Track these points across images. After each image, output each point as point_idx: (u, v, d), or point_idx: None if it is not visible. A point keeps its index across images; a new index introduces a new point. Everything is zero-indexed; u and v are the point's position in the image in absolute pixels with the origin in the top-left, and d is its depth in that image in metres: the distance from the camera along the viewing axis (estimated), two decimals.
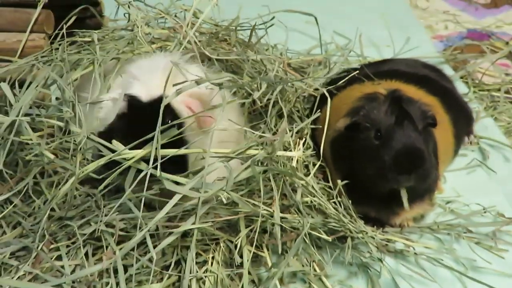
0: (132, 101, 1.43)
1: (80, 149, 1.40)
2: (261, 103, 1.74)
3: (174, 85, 1.39)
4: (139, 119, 1.39)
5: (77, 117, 1.47)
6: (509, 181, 1.93)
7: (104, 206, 1.42)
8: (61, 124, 1.48)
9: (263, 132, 1.57)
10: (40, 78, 1.57)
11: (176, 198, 1.30)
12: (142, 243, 1.39)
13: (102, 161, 1.34)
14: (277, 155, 1.41)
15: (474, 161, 2.00)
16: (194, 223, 1.31)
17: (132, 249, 1.36)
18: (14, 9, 1.81)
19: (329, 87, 1.73)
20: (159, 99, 1.38)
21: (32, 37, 1.78)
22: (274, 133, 1.67)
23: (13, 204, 1.50)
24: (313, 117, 1.62)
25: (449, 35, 3.06)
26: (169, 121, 1.35)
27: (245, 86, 1.61)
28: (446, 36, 3.04)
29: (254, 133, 1.54)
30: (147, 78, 1.47)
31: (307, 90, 1.85)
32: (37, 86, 1.55)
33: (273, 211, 1.41)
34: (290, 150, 1.54)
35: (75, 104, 1.50)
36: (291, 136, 1.55)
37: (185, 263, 1.36)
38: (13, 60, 1.74)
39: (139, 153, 1.32)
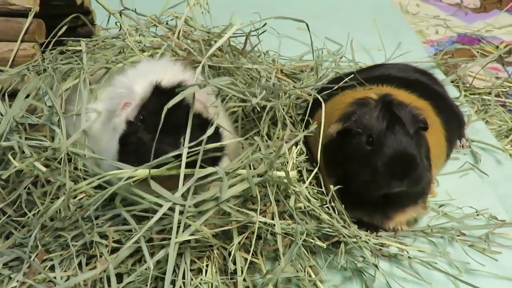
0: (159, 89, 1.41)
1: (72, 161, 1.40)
2: (259, 110, 1.75)
3: (178, 90, 1.38)
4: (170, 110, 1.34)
5: (60, 131, 1.46)
6: (501, 183, 1.94)
7: (97, 218, 1.41)
8: (45, 143, 1.47)
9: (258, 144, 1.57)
10: (28, 88, 1.57)
11: (166, 206, 1.30)
12: (137, 251, 1.39)
13: (94, 181, 1.34)
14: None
15: (467, 164, 2.01)
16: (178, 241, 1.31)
17: (127, 258, 1.37)
18: (5, 19, 1.80)
19: (321, 94, 1.74)
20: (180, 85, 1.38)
21: (24, 46, 1.77)
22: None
23: (6, 215, 1.49)
24: (311, 128, 1.62)
25: (439, 39, 3.08)
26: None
27: (245, 92, 1.62)
28: (437, 41, 3.07)
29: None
30: (152, 77, 1.47)
31: (304, 96, 1.85)
32: (26, 96, 1.54)
33: (271, 219, 1.41)
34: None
35: (56, 116, 1.50)
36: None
37: (178, 270, 1.35)
38: (4, 70, 1.74)
39: (132, 173, 1.31)
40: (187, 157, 1.30)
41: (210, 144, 1.34)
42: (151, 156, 1.29)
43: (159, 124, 1.28)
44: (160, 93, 1.42)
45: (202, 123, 1.38)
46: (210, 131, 1.33)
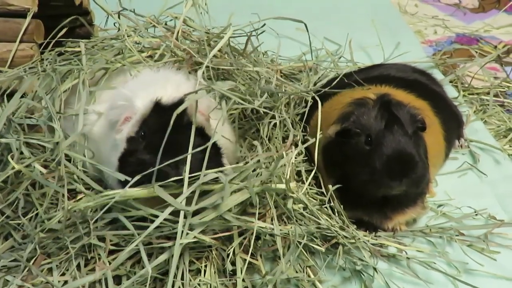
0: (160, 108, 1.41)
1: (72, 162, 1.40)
2: (261, 111, 1.75)
3: (185, 94, 1.40)
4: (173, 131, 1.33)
5: (57, 131, 1.46)
6: (499, 183, 1.94)
7: (96, 221, 1.41)
8: (46, 143, 1.47)
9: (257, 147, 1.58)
10: (23, 87, 1.57)
11: (168, 211, 1.30)
12: (136, 252, 1.39)
13: (91, 203, 1.34)
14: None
15: (465, 164, 2.01)
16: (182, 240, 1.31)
17: (126, 260, 1.37)
18: (3, 19, 1.80)
19: (318, 94, 1.74)
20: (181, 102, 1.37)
21: (22, 47, 1.77)
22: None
23: (5, 215, 1.49)
24: (309, 142, 1.62)
25: (438, 40, 3.09)
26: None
27: (247, 95, 1.62)
28: (435, 41, 3.07)
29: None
30: (153, 90, 1.46)
31: (303, 94, 1.85)
32: (21, 96, 1.54)
33: (270, 222, 1.42)
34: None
35: (54, 117, 1.50)
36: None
37: (177, 270, 1.36)
38: (2, 70, 1.74)
39: (135, 192, 1.32)
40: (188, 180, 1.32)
41: (210, 162, 1.35)
42: (153, 178, 1.29)
43: (160, 144, 1.28)
44: (161, 110, 1.41)
45: (204, 142, 1.36)
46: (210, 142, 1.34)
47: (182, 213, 1.31)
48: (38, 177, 1.41)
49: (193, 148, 1.31)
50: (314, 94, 1.74)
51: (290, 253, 1.40)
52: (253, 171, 1.41)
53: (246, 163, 1.47)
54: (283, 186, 1.44)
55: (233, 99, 1.46)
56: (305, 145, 1.61)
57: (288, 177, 1.48)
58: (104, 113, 1.58)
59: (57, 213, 1.40)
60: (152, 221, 1.32)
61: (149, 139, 1.39)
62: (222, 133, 1.50)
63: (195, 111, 1.37)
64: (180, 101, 1.39)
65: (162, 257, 1.33)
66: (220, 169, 1.37)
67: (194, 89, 1.40)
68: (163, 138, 1.28)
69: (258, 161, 1.43)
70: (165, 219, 1.32)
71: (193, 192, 1.33)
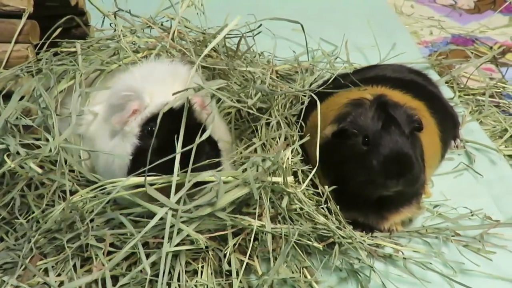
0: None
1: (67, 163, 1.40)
2: (254, 111, 1.76)
3: (174, 93, 1.40)
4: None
5: (53, 129, 1.47)
6: (495, 184, 1.95)
7: (92, 220, 1.41)
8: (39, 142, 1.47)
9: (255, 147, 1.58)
10: (22, 90, 1.57)
11: (163, 210, 1.30)
12: (132, 253, 1.38)
13: (90, 193, 1.35)
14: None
15: (461, 165, 2.02)
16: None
17: (122, 261, 1.36)
18: None
19: (317, 91, 1.74)
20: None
21: (17, 48, 1.76)
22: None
23: (0, 217, 1.48)
24: (304, 139, 1.62)
25: (434, 40, 3.10)
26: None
27: (240, 94, 1.62)
28: (431, 42, 3.08)
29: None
30: (159, 85, 1.48)
31: (298, 94, 1.85)
32: (20, 99, 1.53)
33: (264, 223, 1.42)
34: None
35: (51, 117, 1.50)
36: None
37: (173, 271, 1.35)
38: None
39: (129, 181, 1.34)
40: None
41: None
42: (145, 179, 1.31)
43: (172, 146, 1.34)
44: (171, 112, 1.40)
45: (212, 148, 1.43)
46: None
47: (170, 212, 1.31)
48: (36, 173, 1.41)
49: (204, 155, 1.39)
50: (311, 93, 1.74)
51: (283, 252, 1.40)
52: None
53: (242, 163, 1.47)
54: (280, 179, 1.44)
55: (225, 97, 1.46)
56: (299, 142, 1.61)
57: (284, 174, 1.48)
58: (99, 114, 1.57)
59: (54, 209, 1.39)
60: (148, 216, 1.32)
61: (160, 139, 1.39)
62: (218, 132, 1.50)
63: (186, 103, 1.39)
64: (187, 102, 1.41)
65: (155, 256, 1.33)
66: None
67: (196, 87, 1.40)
68: (177, 140, 1.35)
69: (255, 150, 1.44)
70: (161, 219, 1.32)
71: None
